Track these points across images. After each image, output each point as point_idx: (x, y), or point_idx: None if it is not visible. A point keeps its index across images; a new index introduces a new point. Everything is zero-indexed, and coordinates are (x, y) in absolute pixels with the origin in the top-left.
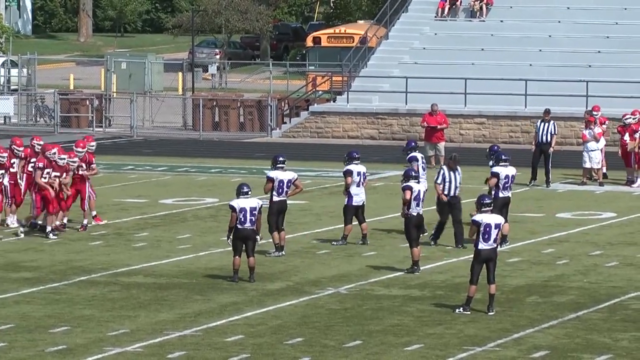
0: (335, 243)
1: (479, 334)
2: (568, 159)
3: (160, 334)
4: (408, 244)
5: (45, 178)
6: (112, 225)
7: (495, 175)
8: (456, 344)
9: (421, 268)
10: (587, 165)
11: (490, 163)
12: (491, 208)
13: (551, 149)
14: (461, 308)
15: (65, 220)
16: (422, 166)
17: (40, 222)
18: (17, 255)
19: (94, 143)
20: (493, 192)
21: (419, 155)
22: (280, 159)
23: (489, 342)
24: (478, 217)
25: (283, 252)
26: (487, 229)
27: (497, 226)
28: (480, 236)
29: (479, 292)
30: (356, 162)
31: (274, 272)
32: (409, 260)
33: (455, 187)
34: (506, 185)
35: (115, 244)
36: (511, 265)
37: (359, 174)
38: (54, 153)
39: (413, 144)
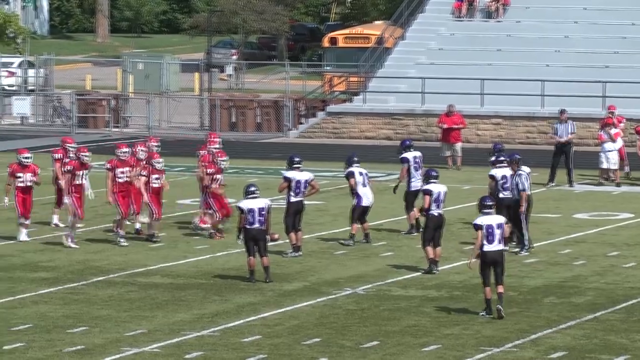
0: (344, 242)
1: (496, 335)
2: (585, 159)
3: (177, 334)
4: (421, 244)
5: (121, 178)
6: (129, 226)
7: (492, 177)
8: (473, 344)
9: (439, 268)
10: (604, 165)
11: (493, 159)
12: (492, 210)
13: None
14: (484, 312)
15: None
16: (415, 166)
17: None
18: (35, 255)
19: (157, 142)
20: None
21: (410, 156)
22: (296, 159)
23: (506, 343)
24: (479, 220)
25: (300, 253)
26: (490, 230)
27: (499, 226)
28: (485, 239)
29: (494, 292)
30: (356, 165)
31: (291, 273)
32: (426, 261)
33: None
34: (505, 185)
35: (133, 244)
36: (528, 266)
37: (361, 174)
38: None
39: (408, 142)
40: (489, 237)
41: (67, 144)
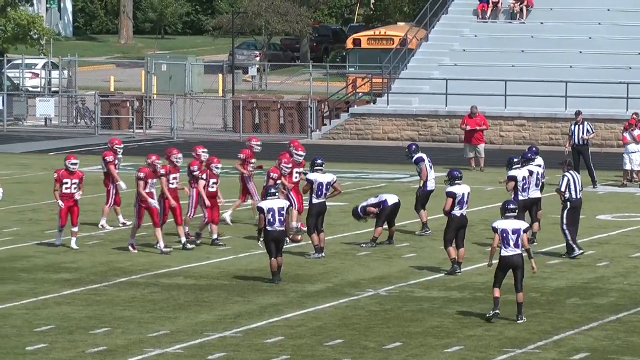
0: (364, 244)
1: (518, 336)
2: (608, 161)
3: (200, 335)
4: (443, 245)
5: (173, 184)
6: (152, 227)
7: (513, 178)
8: (496, 345)
9: (462, 269)
10: (627, 167)
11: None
12: (515, 214)
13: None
14: (491, 311)
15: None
16: (429, 165)
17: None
18: (58, 256)
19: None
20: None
21: (424, 155)
22: (319, 161)
23: (528, 344)
24: (495, 224)
25: (323, 254)
26: (505, 235)
27: (516, 231)
28: (501, 243)
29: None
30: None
31: (313, 274)
32: (449, 262)
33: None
34: (525, 186)
35: (154, 245)
36: (551, 267)
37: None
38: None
39: (414, 147)
40: (504, 242)
41: (116, 145)
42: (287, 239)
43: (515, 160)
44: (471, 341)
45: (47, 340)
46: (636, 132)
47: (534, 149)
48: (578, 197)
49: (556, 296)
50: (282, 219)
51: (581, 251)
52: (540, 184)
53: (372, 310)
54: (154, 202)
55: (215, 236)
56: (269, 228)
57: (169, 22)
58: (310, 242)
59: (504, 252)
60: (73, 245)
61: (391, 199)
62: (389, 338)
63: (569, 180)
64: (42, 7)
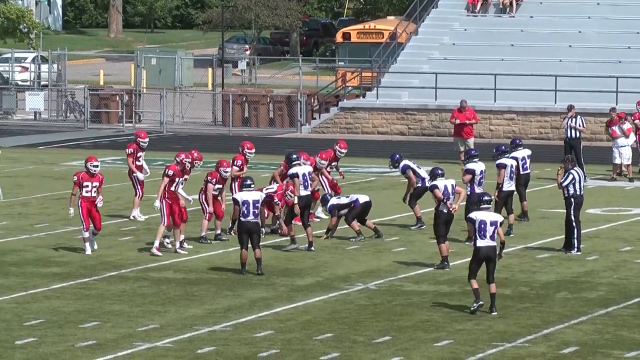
0: (353, 239)
1: (508, 330)
2: (598, 155)
3: (189, 329)
4: (436, 240)
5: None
6: (142, 221)
7: (470, 171)
8: (486, 339)
9: (451, 264)
10: (617, 161)
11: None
12: (490, 206)
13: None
14: (474, 304)
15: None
16: (417, 165)
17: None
18: (47, 250)
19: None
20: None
21: (410, 162)
22: (294, 156)
23: (518, 338)
24: (473, 215)
25: (312, 248)
26: (482, 226)
27: (493, 223)
28: (477, 233)
29: (507, 287)
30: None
31: (303, 268)
32: (439, 256)
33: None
34: (481, 180)
35: (145, 240)
36: (541, 261)
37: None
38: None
39: (397, 156)
40: (481, 232)
41: (140, 139)
42: (263, 230)
43: (503, 148)
44: (461, 335)
45: (36, 334)
46: (626, 126)
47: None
48: (580, 193)
49: (546, 290)
50: (257, 212)
51: (579, 253)
52: (514, 177)
53: (362, 304)
54: (158, 203)
55: (219, 231)
56: (242, 219)
57: (158, 16)
58: (305, 235)
59: (480, 243)
60: (88, 251)
61: (362, 198)
62: (379, 332)
63: (573, 177)
64: (31, 0)
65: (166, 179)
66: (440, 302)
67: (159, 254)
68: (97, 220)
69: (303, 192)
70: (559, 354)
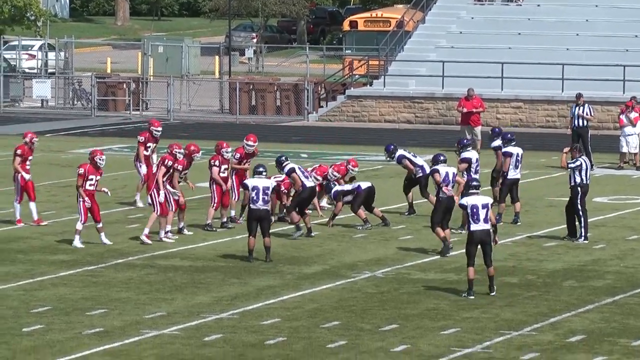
0: (360, 227)
1: (515, 318)
2: (605, 143)
3: (196, 316)
4: (430, 226)
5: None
6: (149, 208)
7: (467, 160)
8: (492, 328)
9: (456, 252)
10: (624, 149)
11: (497, 143)
12: (478, 191)
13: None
14: (465, 293)
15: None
16: (413, 154)
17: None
18: (55, 237)
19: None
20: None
21: (405, 152)
22: (283, 157)
23: (525, 326)
24: (464, 200)
25: (312, 234)
26: (475, 210)
27: (485, 206)
28: (470, 218)
29: (513, 275)
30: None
31: (310, 256)
32: (440, 242)
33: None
34: (477, 168)
35: (153, 227)
36: (548, 249)
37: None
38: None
39: (392, 147)
40: (474, 217)
41: (153, 127)
42: (273, 218)
43: (509, 136)
44: (467, 323)
45: (43, 322)
46: (633, 115)
47: (497, 129)
48: (587, 182)
49: (553, 278)
50: (267, 198)
51: (586, 241)
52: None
53: (369, 292)
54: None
55: (225, 219)
56: (252, 206)
57: (165, 3)
58: (309, 224)
59: (474, 227)
60: (106, 240)
61: (364, 184)
62: (386, 320)
63: (581, 164)
64: None
65: (163, 169)
66: (447, 290)
67: (149, 242)
68: (96, 212)
69: (308, 183)
70: (565, 342)
